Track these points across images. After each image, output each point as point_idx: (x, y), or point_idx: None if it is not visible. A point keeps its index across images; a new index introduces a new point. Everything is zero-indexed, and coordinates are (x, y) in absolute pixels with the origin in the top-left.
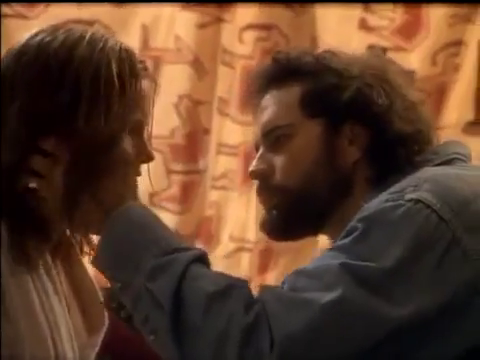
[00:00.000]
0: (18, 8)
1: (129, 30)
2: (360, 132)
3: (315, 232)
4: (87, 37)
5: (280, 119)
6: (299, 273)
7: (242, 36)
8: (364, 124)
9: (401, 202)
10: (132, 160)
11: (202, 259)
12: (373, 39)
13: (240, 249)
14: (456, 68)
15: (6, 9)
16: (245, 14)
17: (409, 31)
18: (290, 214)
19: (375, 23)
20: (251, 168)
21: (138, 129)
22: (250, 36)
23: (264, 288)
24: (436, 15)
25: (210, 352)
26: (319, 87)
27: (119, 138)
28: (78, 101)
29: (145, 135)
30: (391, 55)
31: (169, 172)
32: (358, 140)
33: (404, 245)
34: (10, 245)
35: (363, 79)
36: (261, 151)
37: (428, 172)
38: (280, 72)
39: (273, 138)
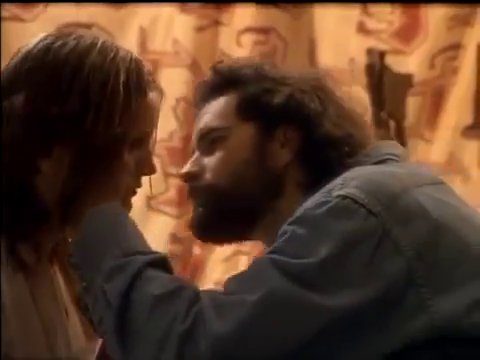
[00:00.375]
0: (15, 10)
1: (127, 33)
2: (292, 136)
3: (246, 235)
4: (98, 45)
5: (215, 122)
6: (233, 277)
7: (240, 39)
8: (297, 128)
9: (329, 199)
10: (131, 172)
11: (160, 263)
12: (371, 42)
13: (238, 252)
14: (455, 71)
15: (3, 11)
16: (243, 17)
17: (407, 34)
18: (216, 211)
19: (373, 26)
20: (182, 171)
21: (143, 141)
22: (248, 39)
23: (204, 293)
24: (435, 18)
25: (150, 354)
26: (253, 92)
27: (122, 149)
28: (86, 108)
29: (150, 147)
30: (390, 58)
31: (167, 175)
32: (290, 143)
33: (334, 240)
34: (7, 249)
35: (297, 86)
36: (195, 155)
37: (357, 171)
38: (220, 82)
39: (208, 141)
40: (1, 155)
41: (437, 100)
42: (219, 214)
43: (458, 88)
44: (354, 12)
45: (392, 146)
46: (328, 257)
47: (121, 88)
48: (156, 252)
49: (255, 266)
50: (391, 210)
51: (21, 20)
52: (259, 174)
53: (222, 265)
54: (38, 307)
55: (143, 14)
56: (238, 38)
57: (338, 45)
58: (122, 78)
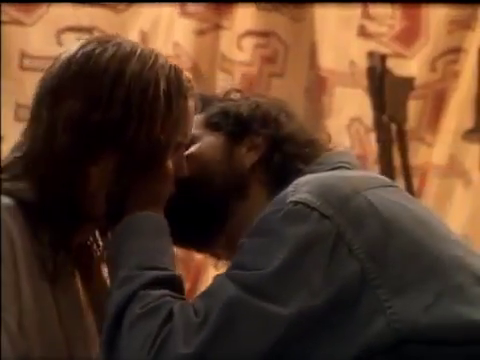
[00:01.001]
0: (15, 14)
1: (128, 36)
2: (259, 141)
3: (209, 239)
4: (138, 52)
5: None
6: (199, 296)
7: (241, 43)
8: (263, 134)
9: (282, 206)
10: (172, 178)
11: (166, 280)
12: (372, 46)
13: None
14: (456, 75)
15: (3, 15)
16: (243, 21)
17: (408, 38)
18: (179, 202)
19: (374, 29)
20: None
21: (180, 147)
22: (249, 43)
23: (180, 310)
24: (435, 21)
25: None
26: (219, 107)
27: (165, 155)
28: (127, 116)
29: (183, 151)
30: (391, 61)
31: None
32: (257, 148)
33: (288, 245)
34: (33, 253)
35: (263, 102)
36: None
37: (308, 177)
38: None
39: None
40: (50, 165)
41: (438, 103)
42: (182, 206)
43: (459, 91)
44: (355, 15)
45: (344, 154)
46: (283, 264)
47: (162, 95)
48: (168, 269)
49: (215, 284)
50: (343, 212)
51: (21, 24)
52: (226, 172)
53: (223, 269)
54: (60, 314)
55: (144, 17)
56: (239, 42)
57: (339, 48)
58: (162, 86)
